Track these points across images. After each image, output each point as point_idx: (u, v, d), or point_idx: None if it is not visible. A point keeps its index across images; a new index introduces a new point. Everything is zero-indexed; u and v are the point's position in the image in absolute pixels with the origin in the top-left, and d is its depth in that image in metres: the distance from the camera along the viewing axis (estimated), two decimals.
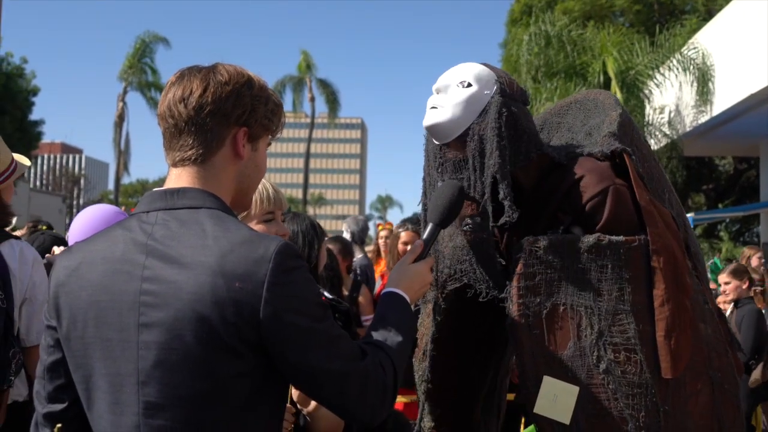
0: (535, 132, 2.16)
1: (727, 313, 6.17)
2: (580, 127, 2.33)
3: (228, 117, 1.53)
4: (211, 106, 1.51)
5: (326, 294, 2.25)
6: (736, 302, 5.92)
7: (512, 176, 2.10)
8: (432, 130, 2.12)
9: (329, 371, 1.44)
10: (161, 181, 2.01)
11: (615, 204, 2.04)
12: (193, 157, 1.53)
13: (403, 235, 5.40)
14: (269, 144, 1.67)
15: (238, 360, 1.40)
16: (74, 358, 1.50)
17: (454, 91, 2.10)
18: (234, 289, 1.38)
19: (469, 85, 2.09)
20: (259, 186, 2.18)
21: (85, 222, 3.20)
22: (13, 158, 3.28)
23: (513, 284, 2.06)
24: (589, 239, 2.01)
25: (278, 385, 1.51)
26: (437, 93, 2.13)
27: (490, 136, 2.04)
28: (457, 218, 2.18)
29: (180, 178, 1.54)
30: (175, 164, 1.56)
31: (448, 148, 2.13)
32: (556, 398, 1.95)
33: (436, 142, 2.16)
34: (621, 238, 2.00)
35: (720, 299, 6.24)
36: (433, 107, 2.11)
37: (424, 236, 1.91)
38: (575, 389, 1.95)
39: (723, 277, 5.96)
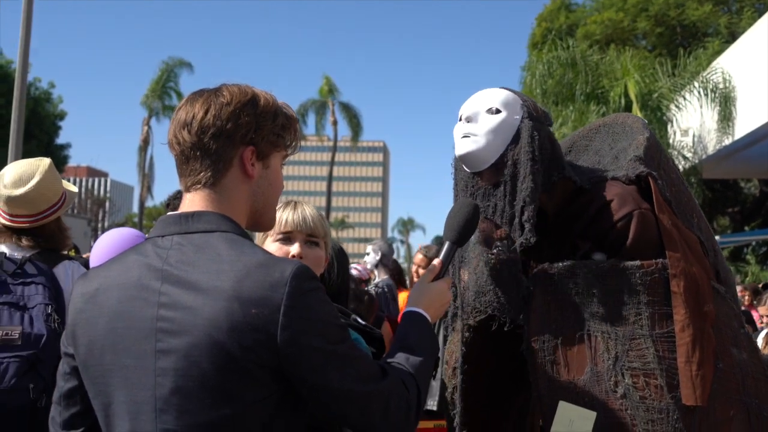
0: (558, 155, 2.16)
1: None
2: (607, 151, 2.33)
3: (232, 137, 1.52)
4: (213, 129, 1.50)
5: (359, 320, 2.23)
6: None
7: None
8: (466, 159, 2.12)
9: (350, 392, 1.42)
10: None
11: (640, 228, 2.03)
12: (203, 181, 1.53)
13: (417, 259, 5.85)
14: (285, 158, 1.65)
15: (257, 385, 1.39)
16: (94, 385, 1.49)
17: (484, 118, 2.11)
18: (250, 314, 1.36)
19: (498, 111, 2.10)
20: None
21: (105, 246, 3.22)
22: (64, 189, 3.33)
23: (529, 310, 2.05)
24: (604, 265, 2.00)
25: (298, 409, 1.49)
26: (467, 122, 2.12)
27: (524, 161, 2.05)
28: (484, 242, 2.17)
29: (193, 202, 1.54)
30: (187, 189, 1.56)
31: (480, 176, 2.12)
32: (572, 423, 1.93)
33: (468, 171, 2.15)
34: (637, 262, 1.98)
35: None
36: (465, 136, 2.11)
37: (441, 255, 1.89)
38: (592, 414, 1.93)
39: (764, 309, 5.85)
